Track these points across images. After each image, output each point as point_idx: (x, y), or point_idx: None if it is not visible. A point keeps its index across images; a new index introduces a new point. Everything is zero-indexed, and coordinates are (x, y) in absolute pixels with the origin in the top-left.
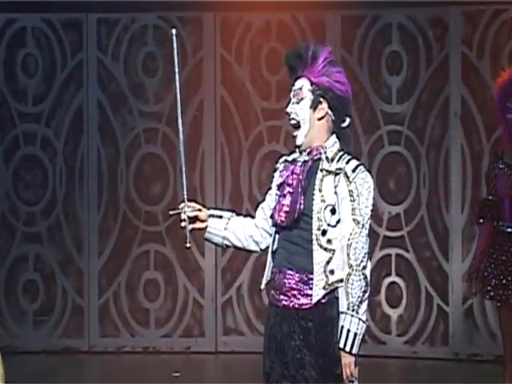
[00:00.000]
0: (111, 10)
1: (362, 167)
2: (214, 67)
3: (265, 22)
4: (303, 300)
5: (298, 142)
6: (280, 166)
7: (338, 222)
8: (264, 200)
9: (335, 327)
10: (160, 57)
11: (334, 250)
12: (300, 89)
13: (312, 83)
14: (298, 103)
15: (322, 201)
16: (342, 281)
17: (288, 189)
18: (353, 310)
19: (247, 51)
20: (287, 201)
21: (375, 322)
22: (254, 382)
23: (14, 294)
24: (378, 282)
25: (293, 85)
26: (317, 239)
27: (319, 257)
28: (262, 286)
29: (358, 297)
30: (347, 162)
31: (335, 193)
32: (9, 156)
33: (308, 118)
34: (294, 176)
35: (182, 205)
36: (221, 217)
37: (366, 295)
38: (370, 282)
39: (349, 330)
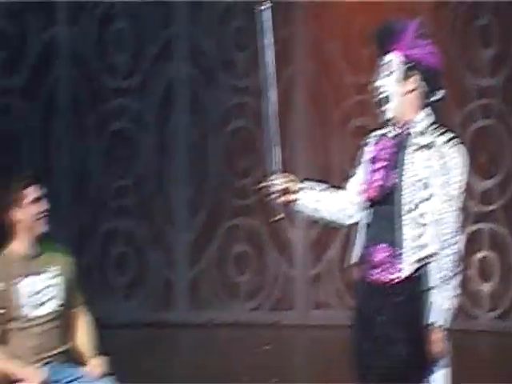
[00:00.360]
0: None
1: (454, 140)
2: (304, 42)
3: None
4: (393, 275)
5: (389, 115)
6: (371, 141)
7: (430, 196)
8: (355, 174)
9: (425, 302)
10: (251, 32)
11: (425, 225)
12: (390, 62)
13: (402, 56)
14: (387, 77)
15: (413, 175)
16: (432, 255)
17: (380, 163)
18: (443, 285)
19: (338, 25)
20: (379, 175)
21: (466, 297)
22: (343, 356)
23: (105, 268)
24: (470, 257)
25: (382, 59)
26: (408, 214)
27: (410, 231)
28: (352, 260)
29: (449, 271)
30: (439, 136)
31: (427, 167)
32: (100, 131)
33: (398, 91)
34: (386, 150)
35: (273, 177)
36: (312, 189)
37: (457, 270)
38: (460, 256)
39: (439, 305)
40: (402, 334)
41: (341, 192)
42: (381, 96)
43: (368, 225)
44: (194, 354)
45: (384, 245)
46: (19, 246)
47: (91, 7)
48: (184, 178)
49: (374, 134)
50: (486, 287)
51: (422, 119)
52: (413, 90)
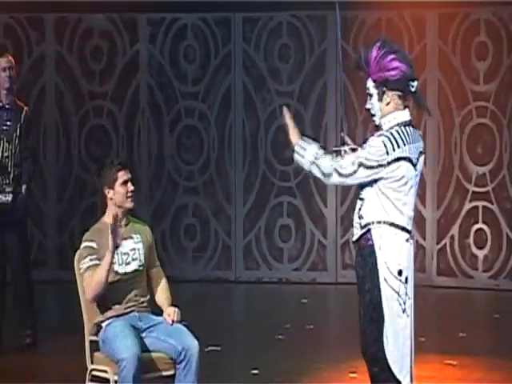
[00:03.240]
0: (254, 9)
1: (377, 134)
2: (335, 55)
3: (376, 19)
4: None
5: (376, 124)
6: None
7: (371, 180)
8: None
9: (369, 265)
10: (292, 47)
11: (364, 199)
12: (368, 88)
13: (373, 81)
14: (370, 99)
15: None
16: (370, 223)
17: None
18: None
19: (362, 43)
20: None
21: (465, 261)
22: None
23: (177, 235)
24: (467, 229)
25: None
26: (358, 191)
27: (357, 204)
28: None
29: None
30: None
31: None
32: (173, 126)
33: (378, 108)
34: None
35: (344, 146)
36: None
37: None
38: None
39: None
40: (367, 285)
41: None
42: (371, 113)
43: None
44: (247, 305)
45: None
46: (110, 218)
47: (166, 27)
48: (239, 163)
49: None
50: (481, 253)
51: (384, 123)
52: (389, 102)
